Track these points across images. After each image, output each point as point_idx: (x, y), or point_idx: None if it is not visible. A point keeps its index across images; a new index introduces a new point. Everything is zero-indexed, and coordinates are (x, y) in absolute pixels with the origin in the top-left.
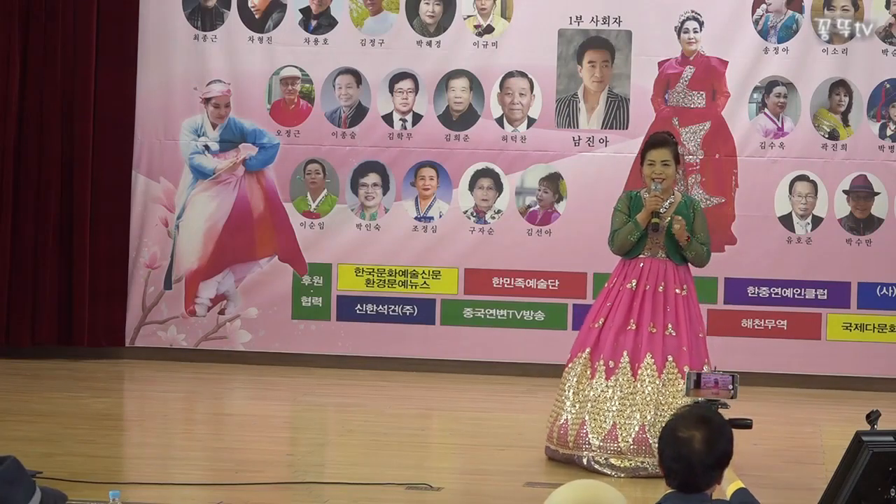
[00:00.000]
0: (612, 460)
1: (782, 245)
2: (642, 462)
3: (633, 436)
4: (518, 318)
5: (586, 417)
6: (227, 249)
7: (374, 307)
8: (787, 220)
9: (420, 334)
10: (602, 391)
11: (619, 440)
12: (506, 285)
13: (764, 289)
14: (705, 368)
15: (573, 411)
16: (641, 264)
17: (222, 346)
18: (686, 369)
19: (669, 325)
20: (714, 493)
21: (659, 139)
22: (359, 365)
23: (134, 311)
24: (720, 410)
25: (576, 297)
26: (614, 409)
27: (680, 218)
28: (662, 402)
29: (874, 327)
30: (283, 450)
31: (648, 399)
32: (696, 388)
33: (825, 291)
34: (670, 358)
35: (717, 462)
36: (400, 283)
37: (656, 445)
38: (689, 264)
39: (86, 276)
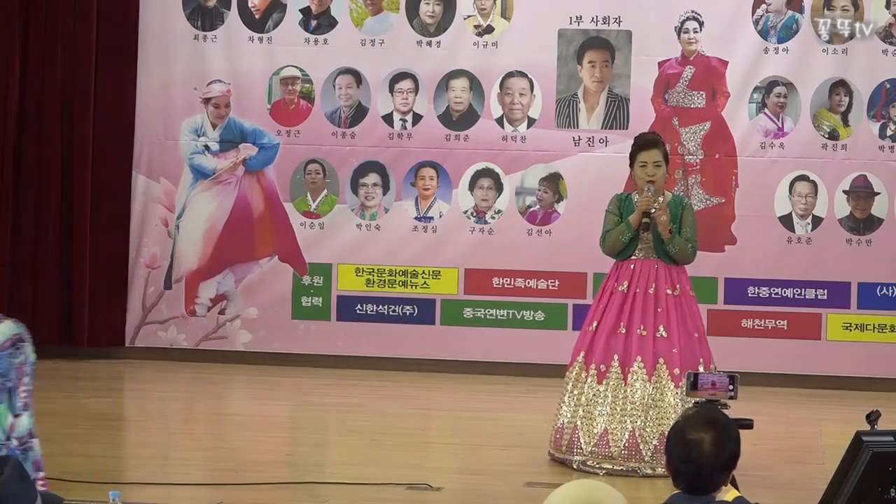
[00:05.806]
0: (605, 465)
1: (782, 245)
2: (633, 467)
3: (623, 442)
4: (518, 318)
5: (578, 422)
6: (226, 249)
7: (374, 307)
8: (787, 220)
9: (420, 334)
10: (594, 395)
11: (611, 445)
12: (506, 285)
13: (764, 289)
14: (700, 368)
15: (568, 415)
16: (633, 266)
17: (222, 346)
18: (676, 371)
19: (661, 327)
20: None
21: (649, 140)
22: (359, 365)
23: (134, 312)
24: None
25: (576, 298)
26: (605, 413)
27: (666, 209)
28: (653, 406)
29: (874, 327)
30: (283, 450)
31: (639, 404)
32: (694, 389)
33: (825, 291)
34: (661, 360)
35: (726, 464)
36: (400, 283)
37: (646, 451)
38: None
39: (86, 276)
